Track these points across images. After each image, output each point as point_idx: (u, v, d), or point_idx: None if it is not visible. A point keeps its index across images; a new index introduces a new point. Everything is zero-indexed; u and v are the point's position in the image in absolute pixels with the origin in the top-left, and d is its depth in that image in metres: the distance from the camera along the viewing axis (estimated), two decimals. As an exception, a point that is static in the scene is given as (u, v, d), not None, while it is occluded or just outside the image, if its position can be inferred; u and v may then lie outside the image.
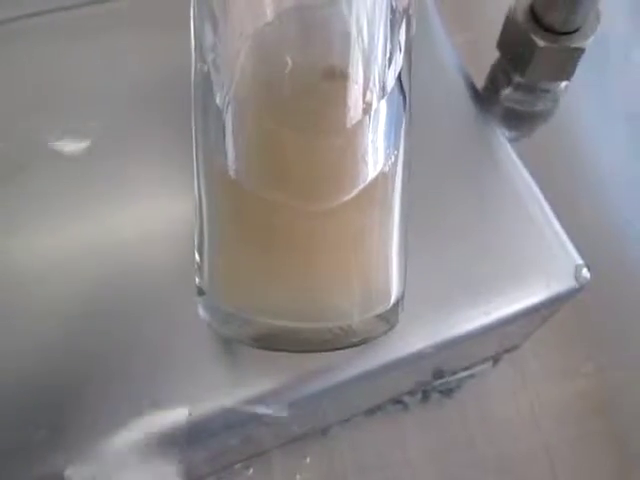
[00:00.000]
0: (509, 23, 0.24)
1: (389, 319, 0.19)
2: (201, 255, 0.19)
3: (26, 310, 0.21)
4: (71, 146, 0.23)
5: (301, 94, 0.15)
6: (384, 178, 0.17)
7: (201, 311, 0.19)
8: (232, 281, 0.19)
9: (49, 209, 0.23)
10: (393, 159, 0.17)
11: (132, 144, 0.24)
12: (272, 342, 0.19)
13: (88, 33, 0.26)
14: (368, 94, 0.15)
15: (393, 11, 0.15)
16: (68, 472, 0.19)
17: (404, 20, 0.16)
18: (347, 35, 0.15)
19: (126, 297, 0.21)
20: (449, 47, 0.27)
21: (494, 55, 0.26)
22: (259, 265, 0.18)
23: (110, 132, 0.24)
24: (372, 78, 0.15)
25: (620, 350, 0.29)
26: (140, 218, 0.23)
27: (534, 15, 0.23)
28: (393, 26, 0.16)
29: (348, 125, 0.15)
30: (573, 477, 0.27)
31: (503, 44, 0.25)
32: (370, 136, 0.16)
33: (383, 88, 0.16)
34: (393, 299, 0.19)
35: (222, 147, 0.16)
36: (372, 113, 0.16)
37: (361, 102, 0.15)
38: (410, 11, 0.16)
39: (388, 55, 0.16)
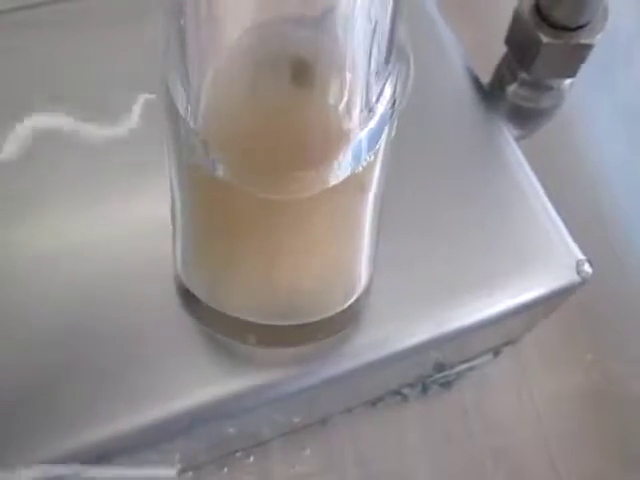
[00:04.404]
0: (516, 19, 0.24)
1: (355, 313, 0.20)
2: (174, 244, 0.19)
3: (10, 304, 0.21)
4: (73, 135, 0.24)
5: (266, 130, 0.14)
6: (358, 178, 0.15)
7: (180, 302, 0.19)
8: (200, 273, 0.19)
9: (45, 198, 0.23)
10: (372, 157, 0.15)
11: (134, 133, 0.24)
12: (239, 335, 0.19)
13: (91, 24, 0.26)
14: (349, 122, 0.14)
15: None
16: (63, 463, 0.19)
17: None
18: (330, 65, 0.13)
19: (116, 291, 0.21)
20: (454, 43, 0.27)
21: (500, 51, 0.26)
22: (224, 259, 0.18)
23: (112, 121, 0.24)
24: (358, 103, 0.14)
25: (621, 344, 0.29)
26: (134, 211, 0.23)
27: (540, 11, 0.23)
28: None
29: (322, 161, 0.14)
30: (573, 470, 0.27)
31: (511, 40, 0.25)
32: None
33: (370, 111, 0.14)
34: (360, 292, 0.19)
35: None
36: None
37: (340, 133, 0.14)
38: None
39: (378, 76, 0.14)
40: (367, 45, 0.13)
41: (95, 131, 0.24)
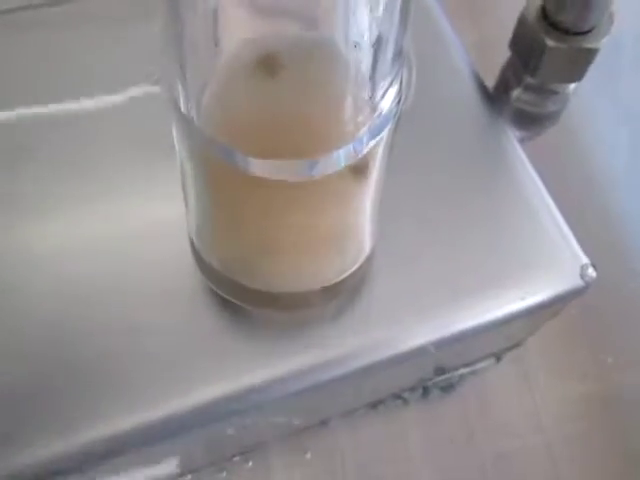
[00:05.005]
0: (521, 22, 0.24)
1: (356, 280, 0.21)
2: (188, 216, 0.20)
3: (22, 298, 0.21)
4: (73, 134, 0.24)
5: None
6: (359, 168, 0.16)
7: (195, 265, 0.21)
8: (210, 243, 0.20)
9: (49, 194, 0.23)
10: (373, 150, 0.16)
11: (134, 131, 0.24)
12: (245, 299, 0.20)
13: (90, 24, 0.26)
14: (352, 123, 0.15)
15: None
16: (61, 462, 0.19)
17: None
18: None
19: (123, 280, 0.21)
20: (459, 47, 0.27)
21: (505, 55, 0.26)
22: (230, 235, 0.18)
23: (112, 120, 0.24)
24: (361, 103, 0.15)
25: (624, 349, 0.29)
26: (144, 205, 0.23)
27: (546, 15, 0.23)
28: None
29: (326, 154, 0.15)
30: (575, 476, 0.27)
31: (515, 44, 0.25)
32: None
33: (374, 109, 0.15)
34: (365, 256, 0.20)
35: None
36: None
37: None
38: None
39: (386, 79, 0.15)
40: (372, 49, 0.14)
41: (95, 130, 0.24)
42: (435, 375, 0.27)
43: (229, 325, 0.21)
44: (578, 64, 0.24)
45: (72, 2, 0.26)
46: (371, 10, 0.13)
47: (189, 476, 0.25)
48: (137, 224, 0.22)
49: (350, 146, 0.15)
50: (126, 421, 0.19)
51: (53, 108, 0.24)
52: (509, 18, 0.25)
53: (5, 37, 0.25)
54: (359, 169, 0.16)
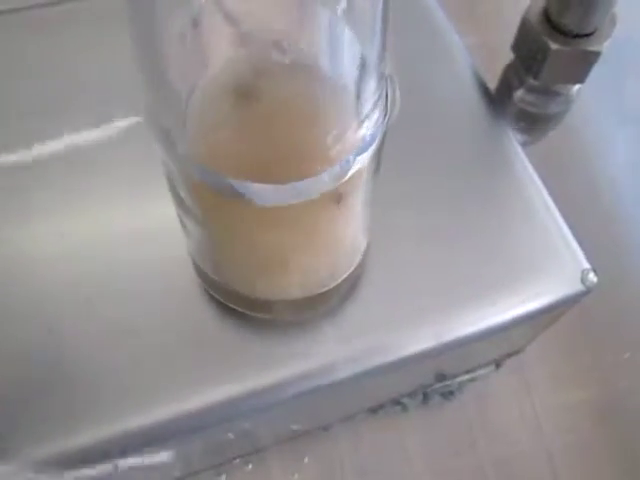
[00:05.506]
0: (524, 25, 0.24)
1: (342, 291, 0.21)
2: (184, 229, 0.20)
3: (21, 301, 0.21)
4: (73, 134, 0.24)
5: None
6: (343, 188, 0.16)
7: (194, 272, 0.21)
8: (206, 255, 0.20)
9: (49, 197, 0.23)
10: (358, 171, 0.16)
11: (134, 132, 0.24)
12: (242, 306, 0.21)
13: (90, 25, 0.26)
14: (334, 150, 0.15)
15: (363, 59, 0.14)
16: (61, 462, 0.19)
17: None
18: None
19: (124, 283, 0.21)
20: (461, 49, 0.27)
21: (507, 57, 0.26)
22: (221, 250, 0.19)
23: (112, 121, 0.24)
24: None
25: (624, 357, 0.29)
26: (145, 209, 0.23)
27: (548, 17, 0.23)
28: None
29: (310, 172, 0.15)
30: (575, 482, 0.26)
31: (518, 46, 0.25)
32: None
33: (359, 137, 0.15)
34: (358, 261, 0.20)
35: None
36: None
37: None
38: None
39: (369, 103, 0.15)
40: (357, 71, 0.14)
41: (95, 131, 0.24)
42: (436, 381, 0.27)
43: (228, 329, 0.21)
44: (581, 66, 0.23)
45: (73, 2, 0.26)
46: (355, 35, 0.13)
47: None
48: (138, 229, 0.22)
49: (337, 166, 0.15)
50: (125, 424, 0.19)
51: (54, 109, 0.24)
52: (511, 20, 0.25)
53: (5, 37, 0.26)
54: (346, 188, 0.16)
